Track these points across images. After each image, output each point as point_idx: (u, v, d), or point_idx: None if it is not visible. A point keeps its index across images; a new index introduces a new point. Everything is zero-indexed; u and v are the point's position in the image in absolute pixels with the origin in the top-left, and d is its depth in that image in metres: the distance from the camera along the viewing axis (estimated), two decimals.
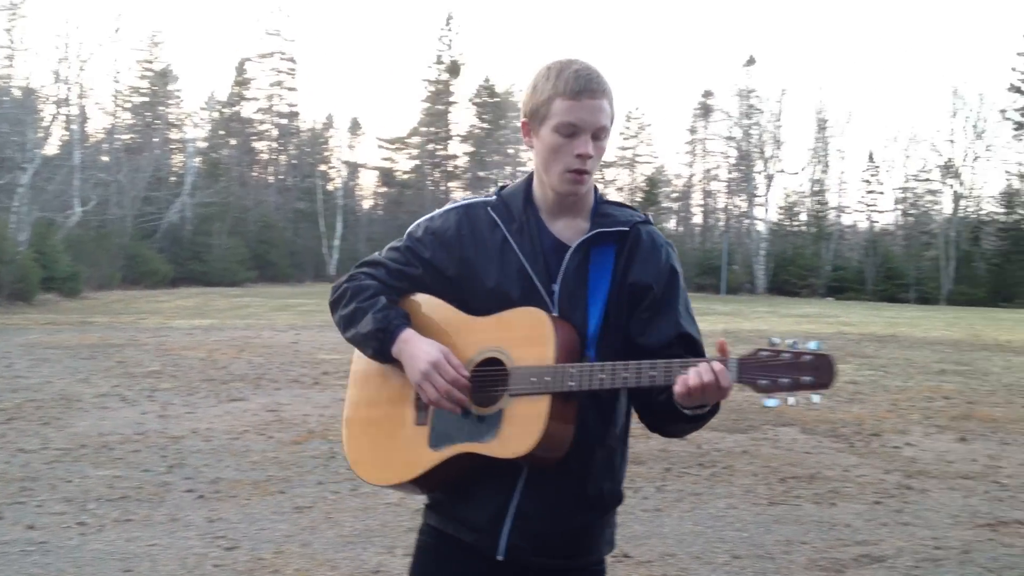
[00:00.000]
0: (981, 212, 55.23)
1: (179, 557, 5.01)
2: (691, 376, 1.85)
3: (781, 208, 60.36)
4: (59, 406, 9.58)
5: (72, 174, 38.72)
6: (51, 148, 40.83)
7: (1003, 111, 53.78)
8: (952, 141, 54.40)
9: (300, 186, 59.73)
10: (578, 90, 2.02)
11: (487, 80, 67.62)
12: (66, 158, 39.82)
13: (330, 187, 59.82)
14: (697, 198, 69.81)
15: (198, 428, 8.52)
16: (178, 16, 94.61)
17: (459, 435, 2.04)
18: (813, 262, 53.90)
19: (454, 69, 65.67)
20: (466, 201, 2.21)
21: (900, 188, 59.59)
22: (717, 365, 1.85)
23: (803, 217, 59.70)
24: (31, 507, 5.87)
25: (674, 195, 69.37)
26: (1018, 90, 53.48)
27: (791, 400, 1.82)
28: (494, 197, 2.20)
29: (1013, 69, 54.03)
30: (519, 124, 2.18)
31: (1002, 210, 53.83)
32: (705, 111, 66.48)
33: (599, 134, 2.05)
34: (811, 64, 73.59)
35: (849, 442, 8.37)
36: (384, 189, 67.66)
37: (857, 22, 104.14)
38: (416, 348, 2.05)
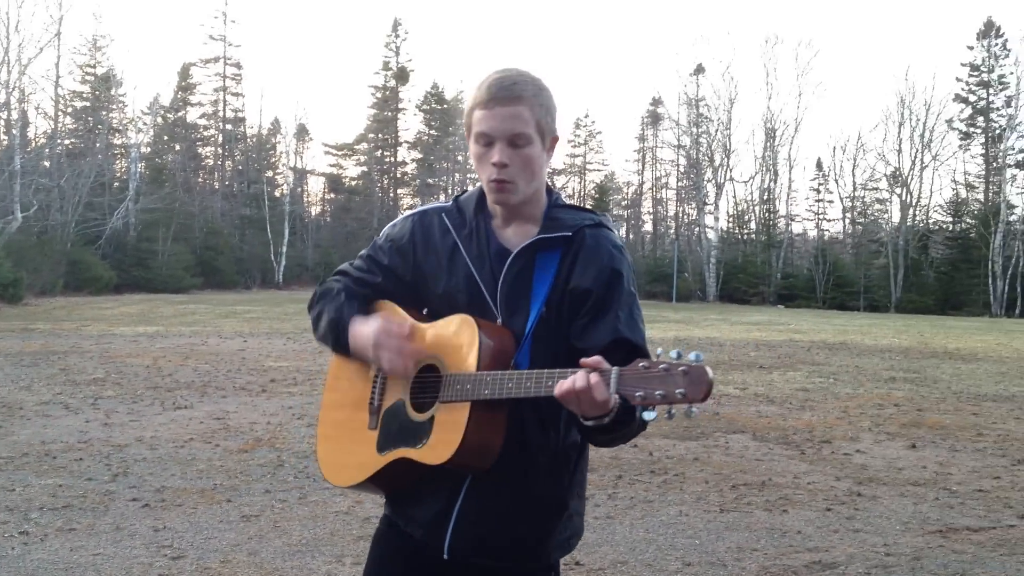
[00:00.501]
0: (929, 221, 56.39)
1: (124, 567, 4.90)
2: (564, 383, 1.83)
3: (731, 216, 61.07)
4: (1, 414, 9.35)
5: (13, 179, 37.88)
6: None
7: (949, 121, 55.05)
8: (899, 151, 55.51)
9: (246, 192, 59.19)
10: (489, 99, 2.03)
11: (435, 86, 67.70)
12: (6, 163, 38.93)
13: (277, 193, 59.36)
14: (647, 206, 70.50)
15: (143, 436, 8.35)
16: (121, 19, 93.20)
17: (399, 440, 2.09)
18: (763, 270, 54.57)
19: (402, 75, 65.61)
20: (423, 208, 2.26)
21: (849, 197, 60.64)
22: (594, 377, 1.80)
23: (753, 225, 60.43)
24: None
25: (624, 203, 69.99)
26: (964, 100, 54.75)
27: (673, 411, 1.75)
28: (450, 203, 2.23)
29: (958, 79, 55.38)
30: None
31: (949, 219, 54.99)
32: (654, 119, 67.20)
33: (516, 141, 2.03)
34: (760, 72, 74.34)
35: (800, 449, 8.44)
36: (332, 195, 67.41)
37: (805, 30, 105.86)
38: (363, 327, 2.11)
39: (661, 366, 1.75)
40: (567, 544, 2.21)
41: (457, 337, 2.04)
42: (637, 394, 1.76)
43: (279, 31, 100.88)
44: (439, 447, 2.00)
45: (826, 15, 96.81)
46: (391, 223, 2.31)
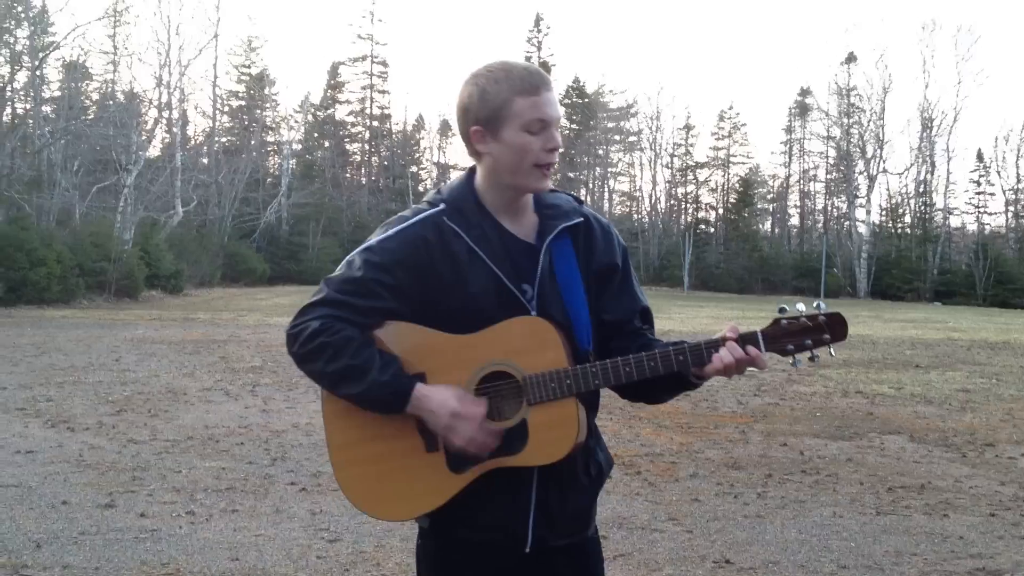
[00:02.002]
0: None
1: (284, 547, 5.09)
2: (723, 355, 1.98)
3: (884, 209, 58.93)
4: (166, 399, 9.86)
5: (174, 176, 39.91)
6: (154, 151, 42.30)
7: None
8: None
9: (392, 187, 60.62)
10: (537, 85, 2.02)
11: (576, 81, 67.63)
12: (168, 160, 41.09)
13: (421, 188, 60.50)
14: (794, 199, 68.56)
15: (298, 423, 8.66)
16: (273, 21, 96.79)
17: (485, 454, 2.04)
18: (918, 266, 52.48)
19: (544, 70, 65.74)
20: (418, 217, 2.10)
21: (1012, 189, 57.62)
22: (752, 350, 1.99)
23: (908, 219, 58.14)
24: (142, 496, 6.03)
25: (769, 196, 68.26)
26: None
27: (816, 354, 2.02)
28: (443, 205, 2.11)
29: None
30: (470, 132, 2.07)
31: None
32: (802, 110, 65.31)
33: (558, 125, 2.08)
34: (916, 60, 71.39)
35: (961, 452, 8.08)
36: None
37: (965, 15, 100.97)
38: (431, 403, 2.00)
39: (802, 319, 2.02)
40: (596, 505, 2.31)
41: (527, 338, 2.02)
42: (788, 347, 2.01)
43: (424, 29, 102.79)
44: (549, 446, 2.01)
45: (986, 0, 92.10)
46: (377, 238, 2.11)
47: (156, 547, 5.03)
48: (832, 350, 2.03)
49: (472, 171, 2.16)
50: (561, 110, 2.11)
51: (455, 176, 2.23)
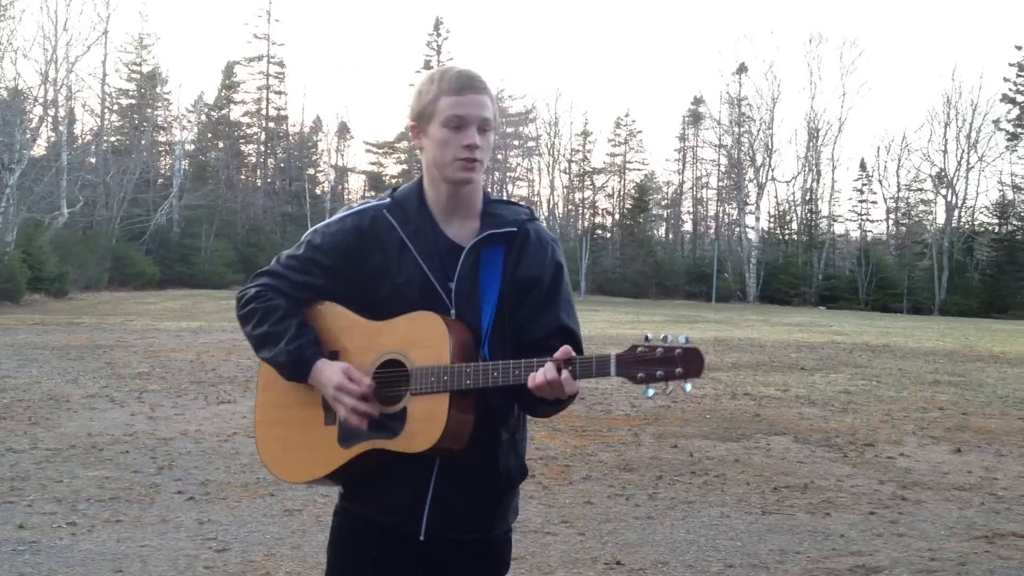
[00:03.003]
0: (975, 222, 55.62)
1: (170, 558, 4.97)
2: (537, 377, 2.02)
3: (772, 216, 60.60)
4: (48, 406, 9.51)
5: (59, 175, 38.57)
6: (39, 149, 40.73)
7: (996, 121, 54.23)
8: (945, 151, 54.82)
9: (288, 189, 59.70)
10: (461, 86, 2.16)
11: None
12: (54, 159, 39.65)
13: (318, 191, 59.84)
14: (687, 205, 70.03)
15: (187, 430, 8.46)
16: (166, 18, 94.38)
17: (366, 433, 2.15)
18: (804, 271, 54.13)
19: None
20: (362, 206, 2.29)
21: (893, 198, 59.94)
22: (564, 374, 2.01)
23: (794, 226, 59.91)
24: (21, 506, 5.81)
25: (664, 202, 69.55)
26: (1011, 100, 53.88)
27: (670, 387, 2.00)
28: (388, 200, 2.28)
29: (1006, 79, 54.53)
30: (409, 127, 2.28)
31: (995, 221, 54.22)
32: (696, 118, 66.74)
33: (484, 126, 2.17)
34: (803, 71, 73.67)
35: (843, 452, 8.36)
36: (372, 193, 67.63)
37: (850, 28, 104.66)
38: (323, 375, 2.15)
39: (658, 349, 2.00)
40: (517, 507, 2.39)
41: (424, 331, 2.13)
42: (638, 375, 2.00)
43: (322, 30, 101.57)
44: (418, 436, 2.10)
45: (871, 14, 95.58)
46: (324, 223, 2.32)
47: (35, 559, 4.86)
48: (688, 386, 2.00)
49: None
50: (490, 113, 2.19)
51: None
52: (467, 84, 2.17)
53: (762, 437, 8.96)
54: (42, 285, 31.14)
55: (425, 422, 2.10)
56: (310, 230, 2.32)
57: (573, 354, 2.04)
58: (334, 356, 2.21)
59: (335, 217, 2.30)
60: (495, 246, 2.22)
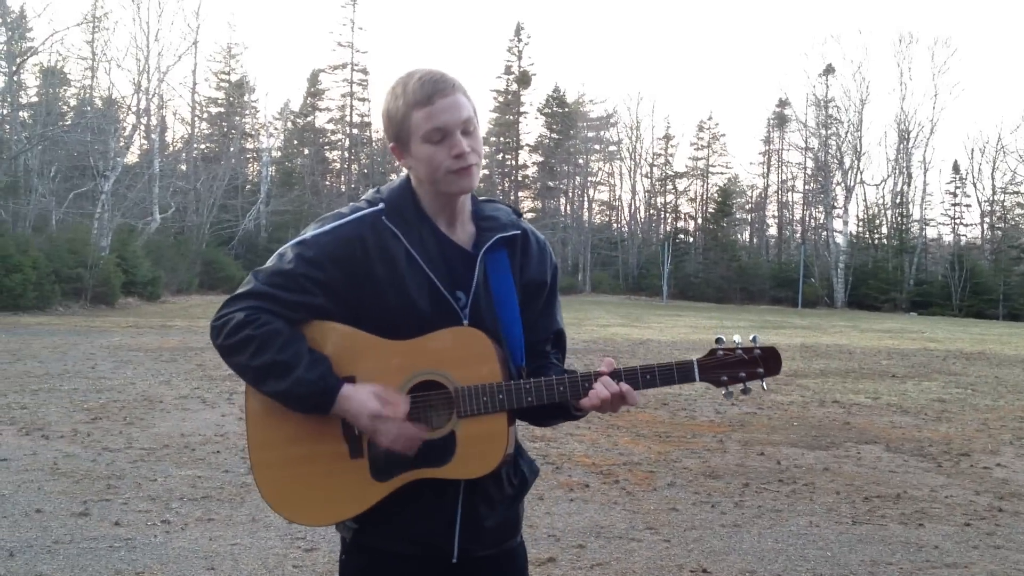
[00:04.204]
0: None
1: (260, 557, 5.06)
2: (598, 389, 1.99)
3: (861, 220, 59.33)
4: (142, 407, 9.79)
5: (152, 182, 39.76)
6: (132, 157, 42.04)
7: None
8: None
9: None
10: (429, 95, 1.97)
11: (556, 90, 67.83)
12: (146, 167, 40.93)
13: None
14: (772, 209, 68.96)
15: None
16: (253, 28, 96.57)
17: (408, 462, 1.99)
18: (895, 276, 52.84)
19: (524, 79, 65.91)
20: (357, 214, 2.06)
21: (988, 200, 58.16)
22: (625, 385, 2.00)
23: (884, 230, 58.56)
24: (117, 504, 5.98)
25: (748, 206, 68.62)
26: None
27: (748, 387, 2.05)
28: (382, 205, 2.08)
29: None
30: (390, 148, 2.11)
31: None
32: (781, 121, 65.76)
33: (466, 128, 2.00)
34: (893, 72, 72.02)
35: (937, 462, 8.13)
36: None
37: (942, 27, 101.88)
38: (352, 403, 1.96)
39: (737, 351, 2.04)
40: (523, 513, 2.31)
41: (466, 348, 2.00)
42: (722, 378, 2.03)
43: (404, 37, 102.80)
44: (475, 460, 1.99)
45: (964, 12, 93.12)
46: (312, 234, 2.05)
47: (131, 556, 4.99)
48: (765, 384, 2.07)
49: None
50: (469, 111, 2.01)
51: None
52: (434, 90, 1.98)
53: (852, 445, 8.76)
54: (135, 289, 32.07)
55: (482, 445, 1.99)
56: (291, 242, 2.06)
57: (617, 365, 2.01)
58: (349, 382, 1.99)
59: (325, 227, 2.05)
60: (496, 251, 2.10)
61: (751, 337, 2.07)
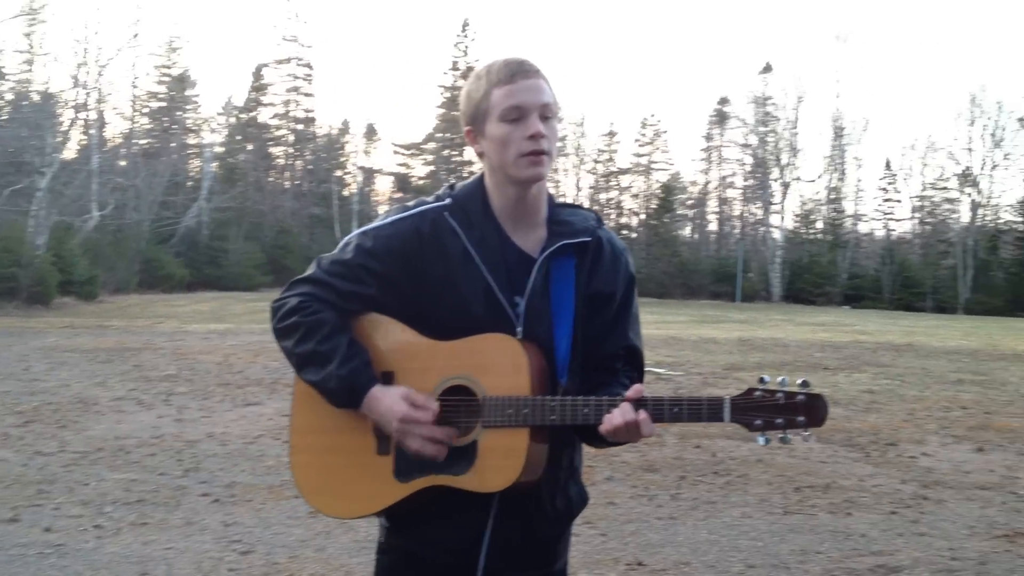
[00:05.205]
0: (999, 221, 55.11)
1: (195, 561, 5.03)
2: (614, 415, 1.86)
3: (797, 216, 60.20)
4: (76, 409, 9.64)
5: (90, 178, 39.02)
6: (69, 152, 41.27)
7: (1021, 119, 53.68)
8: (970, 149, 54.29)
9: (316, 191, 59.94)
10: (512, 73, 1.96)
11: None
12: (84, 162, 40.13)
13: (346, 192, 60.02)
14: (712, 205, 69.71)
15: (214, 432, 8.55)
16: (196, 22, 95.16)
17: (429, 466, 1.95)
18: (829, 270, 53.72)
19: (470, 75, 65.79)
20: (421, 208, 2.05)
21: (917, 196, 59.40)
22: (642, 414, 1.85)
23: (819, 225, 59.52)
24: (48, 510, 5.90)
25: (689, 202, 69.22)
26: None
27: (788, 436, 1.84)
28: (448, 200, 2.05)
29: None
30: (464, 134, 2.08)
31: (1020, 219, 53.62)
32: (721, 118, 66.43)
33: (546, 112, 1.97)
34: (828, 71, 73.24)
35: (865, 452, 8.33)
36: (400, 195, 67.79)
37: (875, 28, 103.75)
38: (382, 405, 1.94)
39: (778, 394, 1.83)
40: (570, 539, 2.21)
41: (497, 356, 1.93)
42: (756, 422, 1.83)
43: (349, 32, 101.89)
44: (492, 474, 1.92)
45: (898, 13, 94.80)
46: (375, 225, 2.06)
47: (61, 562, 4.94)
48: (805, 435, 1.84)
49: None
50: (550, 98, 1.98)
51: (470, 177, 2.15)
52: (518, 70, 1.95)
53: None
54: (72, 288, 31.45)
55: (500, 459, 1.91)
56: (356, 232, 2.06)
57: (644, 393, 1.87)
58: (387, 378, 1.99)
59: (388, 219, 2.05)
60: (566, 258, 2.01)
61: (799, 381, 1.84)
